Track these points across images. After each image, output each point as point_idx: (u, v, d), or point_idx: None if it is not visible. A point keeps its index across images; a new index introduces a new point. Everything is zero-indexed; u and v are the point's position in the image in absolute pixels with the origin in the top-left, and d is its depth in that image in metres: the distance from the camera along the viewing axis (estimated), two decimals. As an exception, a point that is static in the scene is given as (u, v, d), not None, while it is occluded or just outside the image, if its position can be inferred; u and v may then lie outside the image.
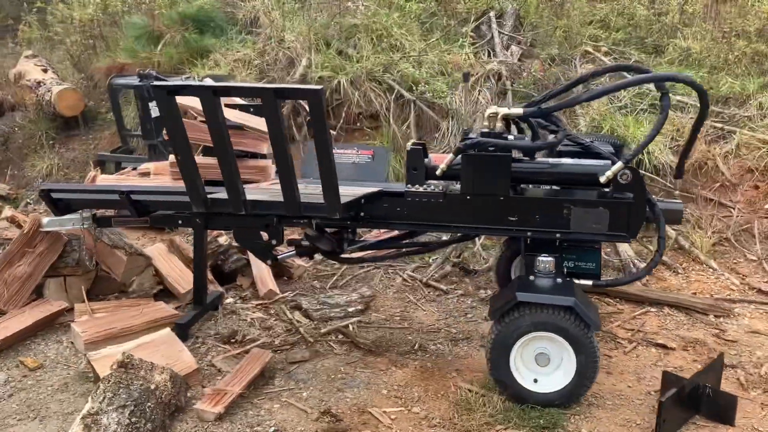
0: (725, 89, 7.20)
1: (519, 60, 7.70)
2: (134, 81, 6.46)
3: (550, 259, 3.62)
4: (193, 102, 4.02)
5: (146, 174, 4.38)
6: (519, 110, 3.75)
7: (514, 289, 3.45)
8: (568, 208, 3.68)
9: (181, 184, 3.88)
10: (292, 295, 4.88)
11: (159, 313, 4.29)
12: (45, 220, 4.33)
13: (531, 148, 3.69)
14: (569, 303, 3.35)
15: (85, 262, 4.54)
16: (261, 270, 4.94)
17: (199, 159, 3.94)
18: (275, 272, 5.05)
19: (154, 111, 6.15)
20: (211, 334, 4.25)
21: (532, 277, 3.57)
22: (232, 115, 4.00)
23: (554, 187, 3.91)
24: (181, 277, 4.74)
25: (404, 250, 4.31)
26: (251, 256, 5.00)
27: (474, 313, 4.66)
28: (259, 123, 4.04)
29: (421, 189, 3.86)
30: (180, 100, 3.83)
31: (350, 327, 4.38)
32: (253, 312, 4.60)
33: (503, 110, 3.76)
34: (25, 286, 4.34)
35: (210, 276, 4.90)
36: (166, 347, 3.74)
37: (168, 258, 4.89)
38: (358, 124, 7.10)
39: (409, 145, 3.85)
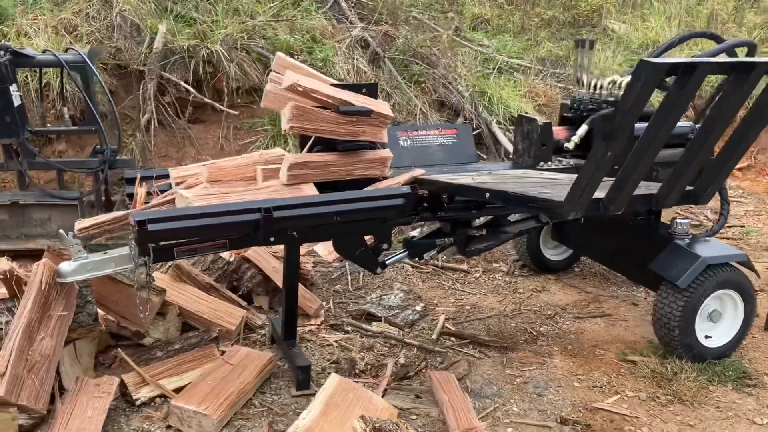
0: (544, 52, 8.05)
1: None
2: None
3: (686, 220, 3.78)
4: (314, 84, 3.11)
5: (190, 183, 3.22)
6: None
7: (695, 254, 3.50)
8: (656, 170, 3.88)
9: (294, 193, 3.07)
10: (331, 306, 4.17)
11: (256, 360, 3.31)
12: (67, 266, 2.96)
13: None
14: (744, 257, 3.57)
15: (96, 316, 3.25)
16: (294, 283, 4.09)
17: (317, 156, 3.14)
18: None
19: (17, 98, 4.49)
20: (320, 371, 3.44)
21: (687, 240, 3.68)
22: (355, 99, 3.20)
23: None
24: (221, 311, 3.69)
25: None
26: (271, 271, 4.10)
27: (521, 287, 4.57)
28: (380, 106, 3.30)
29: (554, 165, 3.67)
30: (301, 80, 3.00)
31: (446, 326, 3.96)
32: (326, 333, 3.82)
33: (627, 78, 3.75)
34: (51, 366, 2.93)
35: (241, 300, 3.92)
36: (355, 398, 2.95)
37: (183, 289, 3.74)
38: (239, 101, 6.15)
39: (541, 121, 3.60)
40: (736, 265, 3.60)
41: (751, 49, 3.99)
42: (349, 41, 6.79)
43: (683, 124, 4.02)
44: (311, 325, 3.91)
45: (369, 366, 3.51)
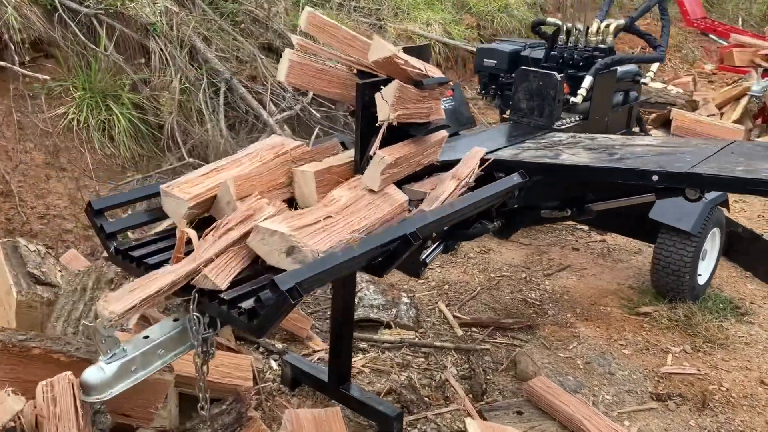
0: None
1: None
2: None
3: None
4: (414, 60, 2.28)
5: (253, 208, 2.18)
6: (622, 21, 3.63)
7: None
8: (609, 115, 3.89)
9: (386, 200, 2.39)
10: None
11: (332, 422, 2.49)
12: (99, 373, 1.83)
13: (655, 59, 3.66)
14: (726, 196, 3.70)
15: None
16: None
17: (404, 149, 2.44)
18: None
19: None
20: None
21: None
22: (423, 68, 2.42)
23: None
24: (223, 364, 2.71)
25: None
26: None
27: (467, 251, 4.24)
28: (438, 72, 2.56)
29: (566, 123, 3.39)
30: (399, 52, 2.28)
31: (453, 316, 3.49)
32: (344, 358, 3.08)
33: (614, 22, 3.56)
34: None
35: (225, 341, 2.94)
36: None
37: (162, 347, 2.65)
38: (28, 58, 4.53)
39: (559, 77, 3.25)
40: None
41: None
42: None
43: (629, 67, 3.97)
44: (314, 350, 3.11)
45: (427, 388, 2.92)
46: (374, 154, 2.31)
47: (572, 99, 3.35)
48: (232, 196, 2.24)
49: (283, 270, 1.97)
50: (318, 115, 5.37)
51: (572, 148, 2.73)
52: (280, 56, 5.76)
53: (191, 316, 1.93)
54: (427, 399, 2.83)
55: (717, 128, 6.09)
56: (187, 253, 2.03)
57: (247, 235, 2.06)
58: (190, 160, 4.56)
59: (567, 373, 3.08)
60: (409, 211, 2.39)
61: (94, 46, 4.69)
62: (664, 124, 6.55)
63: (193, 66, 5.11)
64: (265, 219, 2.10)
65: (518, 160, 2.59)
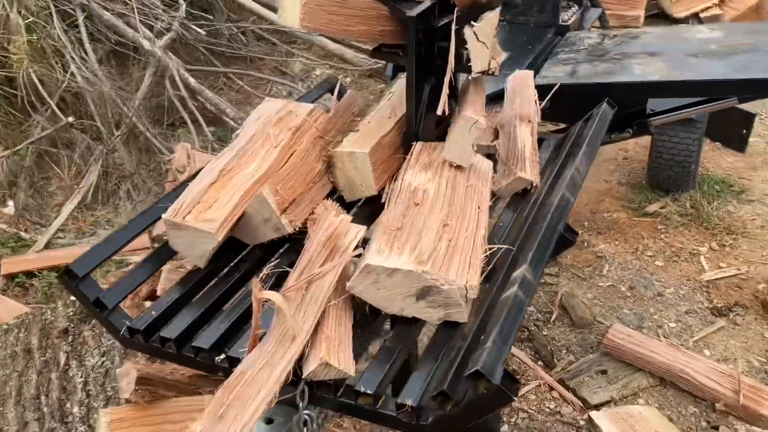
0: None
1: None
2: None
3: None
4: None
5: (335, 230, 1.48)
6: None
7: None
8: None
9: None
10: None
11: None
12: None
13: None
14: None
15: None
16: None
17: (475, 102, 1.85)
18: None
19: None
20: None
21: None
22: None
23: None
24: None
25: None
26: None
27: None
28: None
29: (570, 16, 2.88)
30: None
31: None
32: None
33: None
34: None
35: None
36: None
37: (181, 413, 1.97)
38: None
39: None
40: None
41: None
42: None
43: None
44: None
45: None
46: (448, 114, 1.68)
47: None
48: (274, 211, 1.56)
49: (410, 318, 1.38)
50: (202, 32, 4.42)
51: (634, 57, 2.22)
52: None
53: (301, 416, 1.31)
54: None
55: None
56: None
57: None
58: (70, 119, 3.55)
59: (619, 306, 2.74)
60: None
61: None
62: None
63: (30, -8, 3.92)
64: (356, 247, 1.45)
65: (593, 83, 2.05)
